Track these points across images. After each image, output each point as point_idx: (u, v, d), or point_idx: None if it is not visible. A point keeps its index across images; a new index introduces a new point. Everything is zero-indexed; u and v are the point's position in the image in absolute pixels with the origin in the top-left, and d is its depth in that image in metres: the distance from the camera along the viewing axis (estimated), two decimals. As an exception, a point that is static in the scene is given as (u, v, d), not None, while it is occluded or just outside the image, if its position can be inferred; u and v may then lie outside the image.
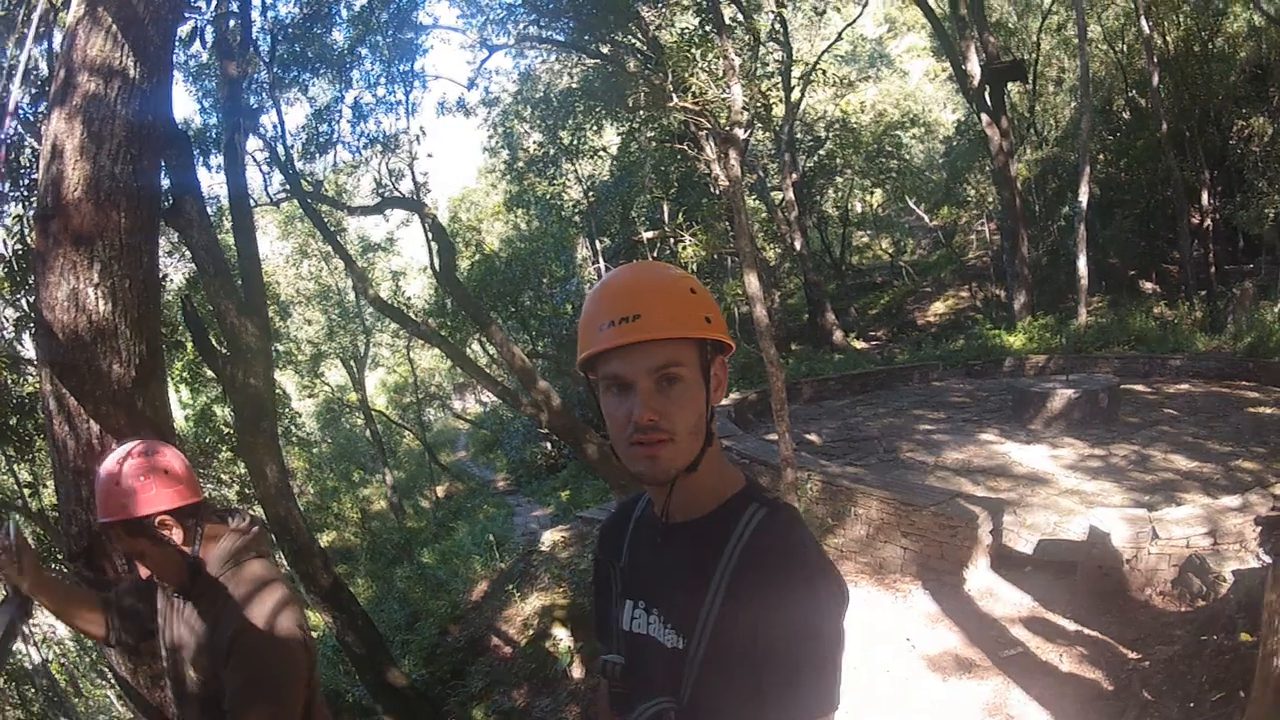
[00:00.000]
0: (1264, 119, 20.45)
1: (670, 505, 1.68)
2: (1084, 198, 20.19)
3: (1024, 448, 12.23)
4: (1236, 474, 10.03)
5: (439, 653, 13.04)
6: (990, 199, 26.72)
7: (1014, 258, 22.10)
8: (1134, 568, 6.81)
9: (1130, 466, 10.89)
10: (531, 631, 10.96)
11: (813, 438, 13.46)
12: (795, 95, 24.95)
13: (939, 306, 28.91)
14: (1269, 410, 13.40)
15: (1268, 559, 6.09)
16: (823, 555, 1.60)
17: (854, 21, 27.21)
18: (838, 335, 24.76)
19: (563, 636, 10.31)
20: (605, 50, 18.09)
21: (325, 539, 25.68)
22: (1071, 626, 6.50)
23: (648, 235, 24.28)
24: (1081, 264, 20.32)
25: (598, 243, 26.85)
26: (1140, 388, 15.84)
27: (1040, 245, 24.59)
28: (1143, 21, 20.26)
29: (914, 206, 32.20)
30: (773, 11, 22.69)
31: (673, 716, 1.60)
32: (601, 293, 1.61)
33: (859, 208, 32.57)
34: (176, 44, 7.47)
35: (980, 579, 7.63)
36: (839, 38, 27.31)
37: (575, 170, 25.93)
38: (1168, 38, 22.14)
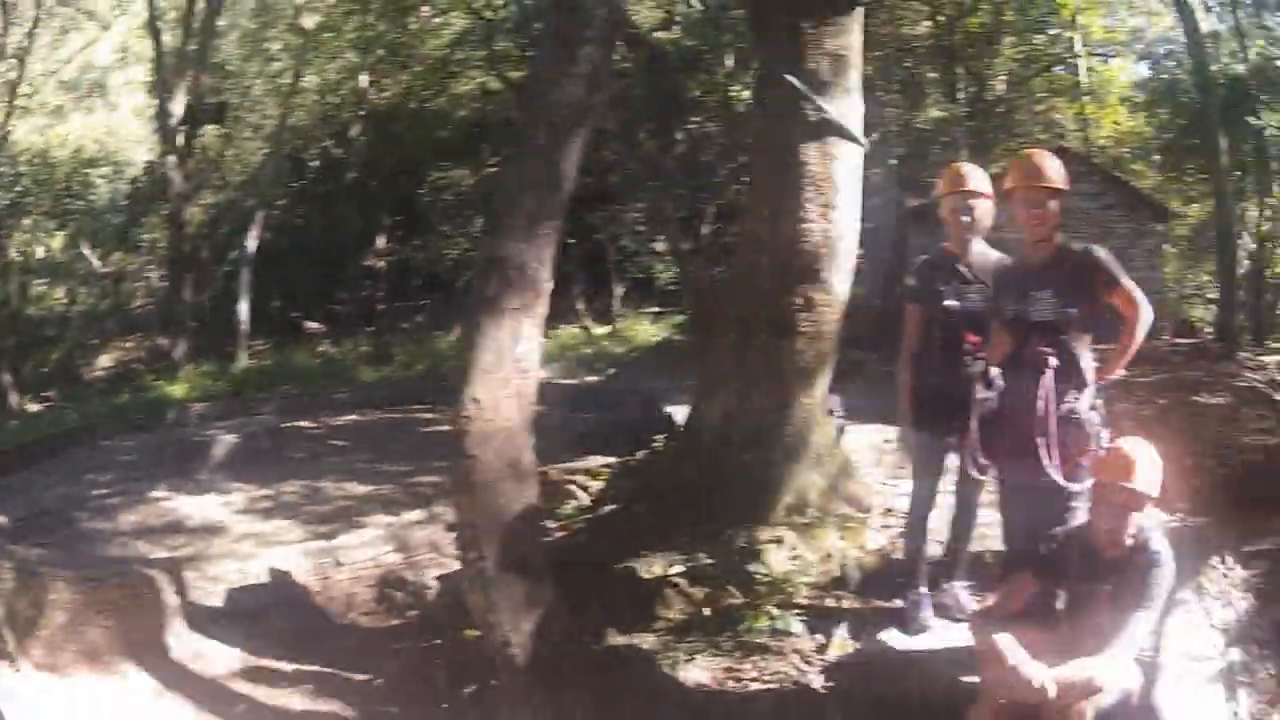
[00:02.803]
0: (466, 171, 23.04)
1: None
2: (252, 242, 20.59)
3: (194, 499, 11.59)
4: (417, 490, 10.61)
5: None
6: (162, 243, 25.71)
7: (176, 305, 21.58)
8: (328, 596, 6.90)
9: (303, 501, 10.91)
10: None
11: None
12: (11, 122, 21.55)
13: (105, 359, 26.91)
14: (446, 427, 14.40)
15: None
16: None
17: (90, 45, 24.63)
18: (13, 399, 21.77)
19: None
20: None
21: None
22: (289, 667, 6.40)
23: None
24: (242, 308, 20.60)
25: None
26: (306, 424, 15.78)
27: (206, 291, 24.17)
28: (362, 77, 21.12)
29: (88, 253, 29.70)
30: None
31: None
32: None
33: (41, 252, 29.21)
34: None
35: (184, 644, 7.08)
36: (69, 62, 24.48)
37: None
38: (383, 94, 23.53)
